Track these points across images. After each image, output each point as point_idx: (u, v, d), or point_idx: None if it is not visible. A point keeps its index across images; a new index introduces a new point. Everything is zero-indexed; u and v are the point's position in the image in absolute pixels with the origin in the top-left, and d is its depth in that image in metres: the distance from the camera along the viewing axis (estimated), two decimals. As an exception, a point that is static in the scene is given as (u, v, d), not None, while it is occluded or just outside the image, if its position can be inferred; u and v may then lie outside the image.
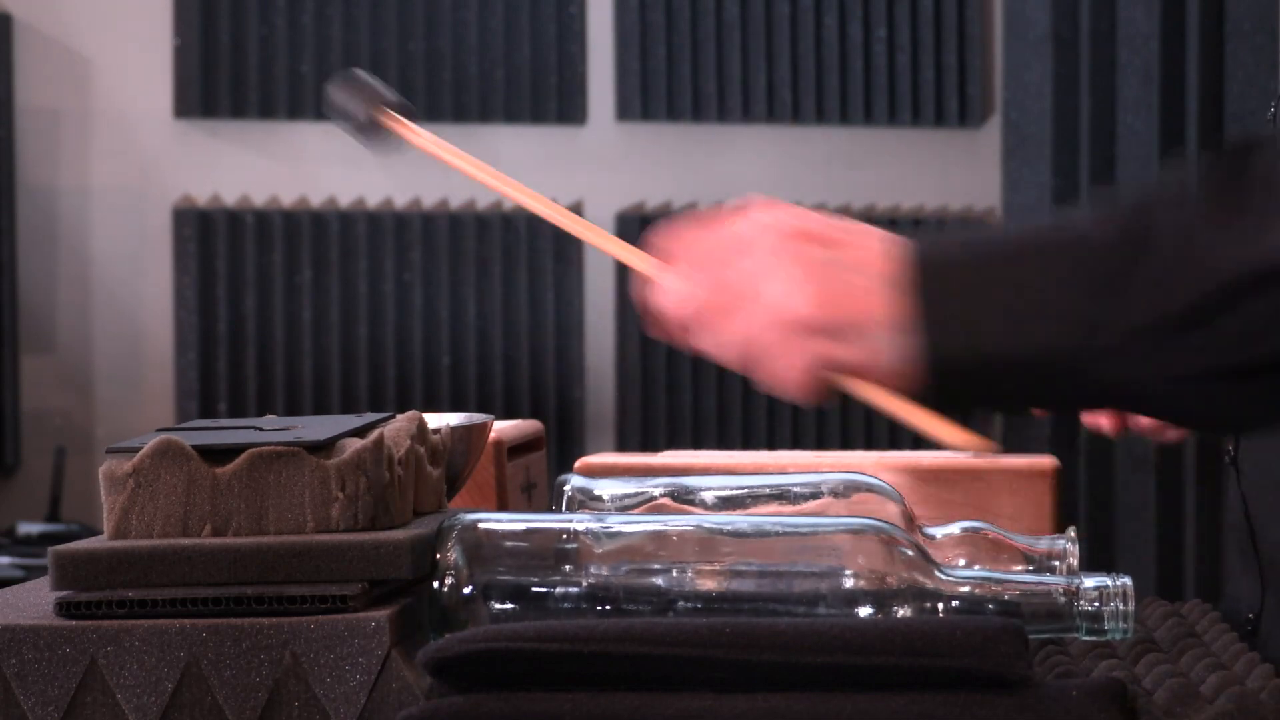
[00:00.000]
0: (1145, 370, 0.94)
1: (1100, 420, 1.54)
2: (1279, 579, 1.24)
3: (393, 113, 1.20)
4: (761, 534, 1.00)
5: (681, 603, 0.97)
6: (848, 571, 0.97)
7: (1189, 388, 0.94)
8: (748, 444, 4.24)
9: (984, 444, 0.99)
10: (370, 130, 1.21)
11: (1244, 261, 0.91)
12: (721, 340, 0.98)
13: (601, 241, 1.12)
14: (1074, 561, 1.15)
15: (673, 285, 1.00)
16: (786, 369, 0.97)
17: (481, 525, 1.00)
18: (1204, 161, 0.95)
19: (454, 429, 1.16)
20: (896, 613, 0.96)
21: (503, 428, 1.36)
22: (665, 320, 1.01)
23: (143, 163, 4.25)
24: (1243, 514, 1.29)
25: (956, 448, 0.99)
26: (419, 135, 1.18)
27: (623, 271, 4.29)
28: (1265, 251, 0.91)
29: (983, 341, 0.94)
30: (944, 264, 0.96)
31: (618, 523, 1.01)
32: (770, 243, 0.97)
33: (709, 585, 0.98)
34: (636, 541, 0.99)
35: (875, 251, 0.96)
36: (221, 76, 4.20)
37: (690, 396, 4.29)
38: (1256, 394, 0.94)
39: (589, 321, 4.30)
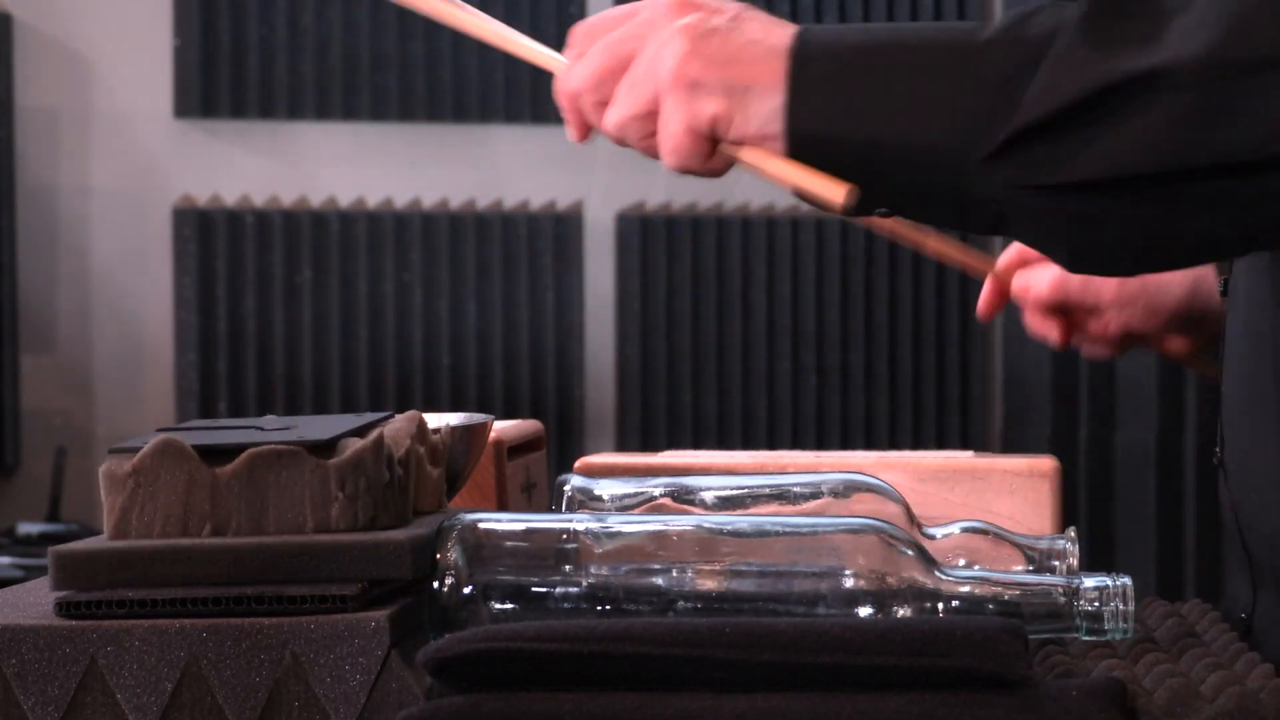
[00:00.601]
0: (1017, 175, 0.94)
1: (1048, 329, 1.53)
2: (1269, 578, 1.24)
3: None
4: (761, 534, 1.00)
5: (681, 603, 0.97)
6: (848, 571, 0.97)
7: (1057, 202, 0.94)
8: (748, 444, 4.24)
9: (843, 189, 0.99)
10: None
11: (1113, 71, 0.91)
12: (614, 111, 1.00)
13: (513, 45, 1.14)
14: (1074, 561, 1.15)
15: (572, 69, 1.02)
16: (672, 131, 0.98)
17: (481, 525, 1.00)
18: None
19: (454, 429, 1.16)
20: (896, 613, 0.96)
21: (503, 428, 1.36)
22: (569, 107, 1.03)
23: (143, 163, 4.25)
24: (1231, 514, 1.29)
25: (830, 201, 0.99)
26: None
27: (623, 271, 4.29)
28: (1133, 62, 0.91)
29: (859, 120, 0.96)
30: (832, 42, 0.98)
31: (618, 523, 1.01)
32: (662, 11, 1.00)
33: (709, 585, 0.98)
34: (636, 541, 0.99)
35: (768, 27, 0.99)
36: (221, 76, 4.20)
37: (690, 396, 4.29)
38: (1122, 212, 0.94)
39: (589, 321, 4.30)
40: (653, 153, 1.01)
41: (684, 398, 4.29)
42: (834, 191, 0.98)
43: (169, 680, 0.95)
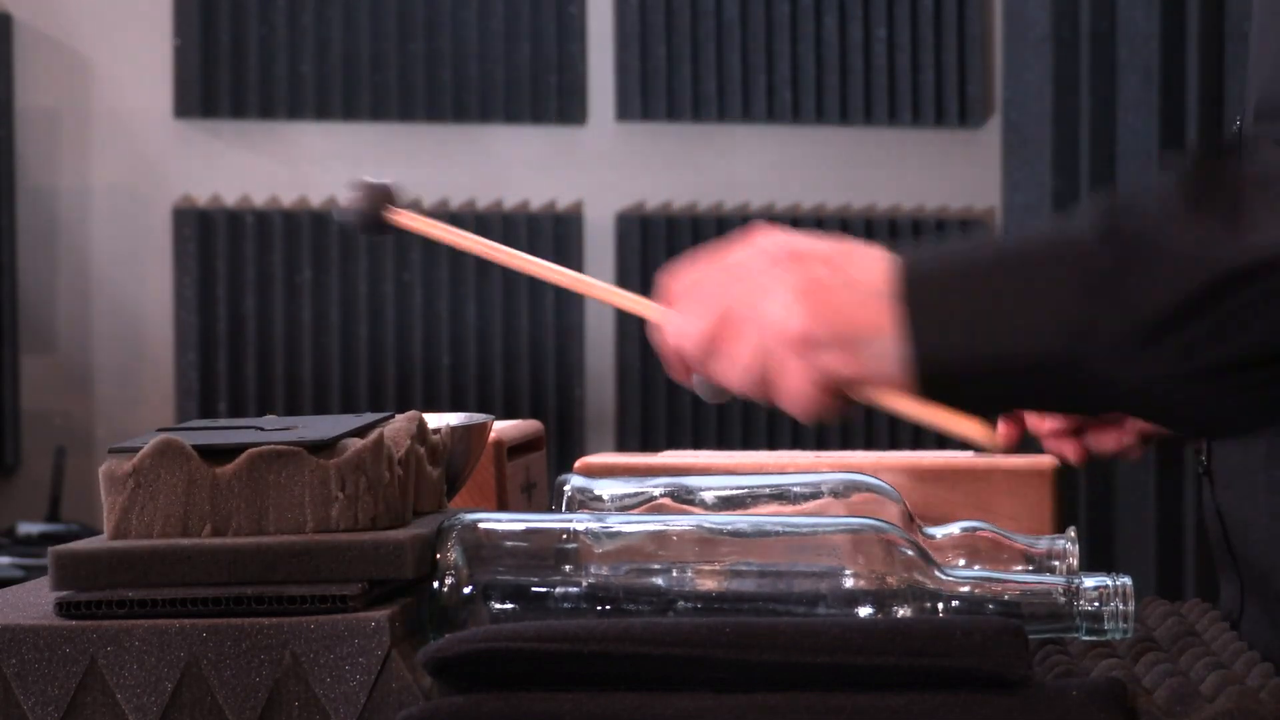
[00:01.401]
0: (1133, 371, 0.96)
1: (1064, 449, 1.55)
2: (1256, 583, 1.25)
3: (395, 208, 1.25)
4: (761, 534, 1.00)
5: (681, 603, 0.97)
6: (848, 571, 0.97)
7: (1176, 387, 0.96)
8: (748, 444, 4.24)
9: (1000, 436, 1.00)
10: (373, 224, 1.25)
11: (1219, 262, 0.94)
12: (728, 368, 1.01)
13: (609, 295, 1.14)
14: (1074, 561, 1.15)
15: (676, 322, 1.02)
16: (794, 387, 0.99)
17: (481, 525, 1.00)
18: (1180, 166, 0.98)
19: (454, 429, 1.16)
20: (896, 613, 0.96)
21: (503, 428, 1.36)
22: (674, 358, 1.03)
23: (143, 163, 4.25)
24: (1218, 523, 1.30)
25: (978, 443, 1.01)
26: (425, 224, 1.21)
27: (623, 271, 4.29)
28: (1237, 252, 0.94)
29: (974, 344, 0.97)
30: (933, 271, 0.99)
31: (618, 523, 1.01)
32: (763, 265, 1.00)
33: (709, 585, 0.98)
34: (636, 541, 0.99)
35: (867, 265, 0.99)
36: (221, 76, 4.20)
37: (690, 396, 4.28)
38: (1239, 390, 0.97)
39: (589, 321, 4.30)
40: (775, 401, 1.02)
41: (684, 398, 4.29)
42: (977, 432, 1.01)
43: (169, 680, 0.95)
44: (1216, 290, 0.95)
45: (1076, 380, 0.97)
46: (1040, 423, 1.56)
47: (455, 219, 4.24)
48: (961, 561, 1.15)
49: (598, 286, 1.15)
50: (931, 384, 0.98)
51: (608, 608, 0.97)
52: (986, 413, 1.03)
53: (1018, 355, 0.97)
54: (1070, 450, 1.55)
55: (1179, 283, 0.95)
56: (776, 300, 0.99)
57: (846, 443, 4.27)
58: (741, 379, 1.01)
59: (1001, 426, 1.60)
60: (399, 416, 1.10)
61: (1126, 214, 0.98)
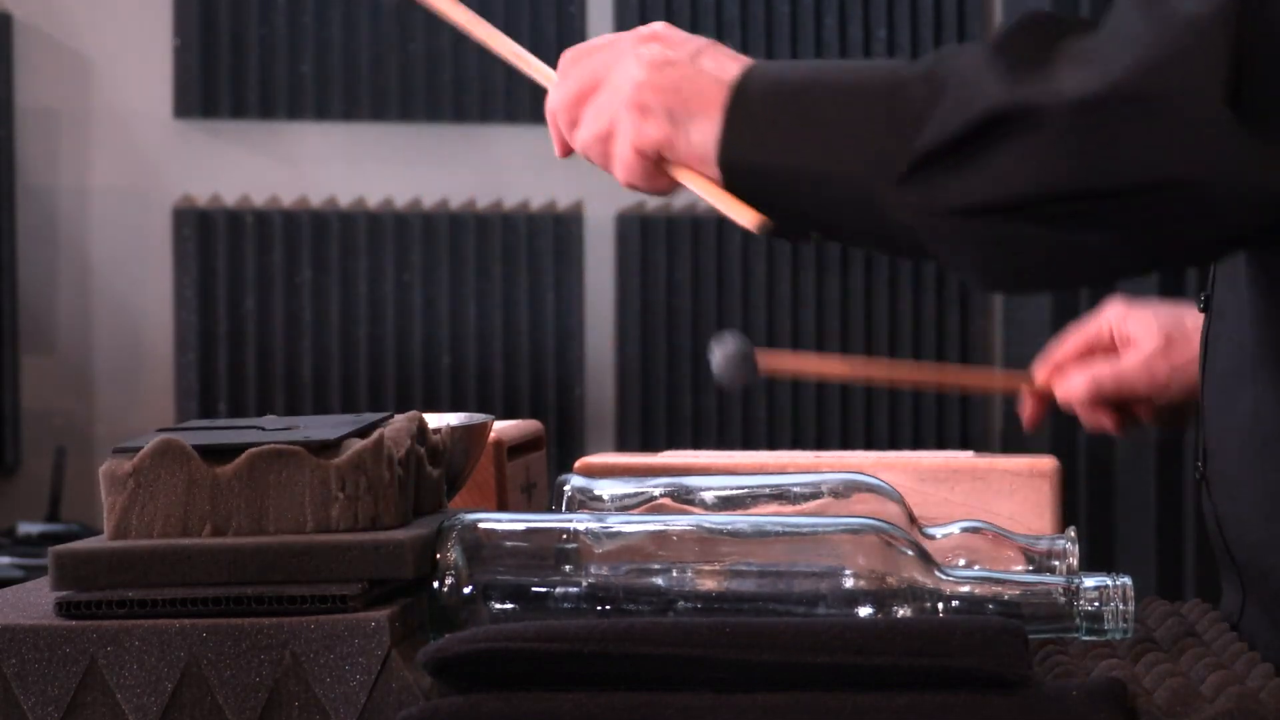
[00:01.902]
0: (903, 204, 1.02)
1: (1104, 422, 1.59)
2: (1255, 585, 1.25)
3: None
4: (761, 534, 1.00)
5: (681, 603, 0.97)
6: (848, 571, 0.97)
7: (935, 224, 1.02)
8: (748, 444, 4.24)
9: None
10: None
11: (984, 101, 0.99)
12: (581, 131, 1.11)
13: (514, 56, 1.24)
14: (1074, 561, 1.15)
15: (553, 89, 1.14)
16: (621, 151, 1.08)
17: (481, 525, 1.00)
18: (1012, 24, 1.03)
19: (454, 429, 1.16)
20: (896, 613, 0.96)
21: (503, 428, 1.36)
22: (552, 125, 1.14)
23: (143, 163, 4.25)
24: (1216, 527, 1.30)
25: (745, 227, 1.08)
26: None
27: (623, 271, 4.29)
28: (1005, 96, 0.98)
29: (782, 149, 1.05)
30: (772, 79, 1.07)
31: (618, 523, 1.01)
32: (630, 41, 1.10)
33: (709, 585, 0.98)
34: (636, 541, 0.99)
35: (722, 59, 1.08)
36: (221, 76, 4.20)
37: (690, 396, 4.29)
38: (985, 235, 1.02)
39: (589, 321, 4.30)
40: (611, 170, 1.11)
41: (684, 398, 4.29)
42: (747, 219, 1.07)
43: (169, 680, 0.95)
44: (973, 129, 0.99)
45: (869, 210, 1.03)
46: (1069, 397, 1.60)
47: (455, 219, 4.24)
48: (961, 561, 1.15)
49: (507, 46, 1.25)
50: (732, 174, 1.06)
51: (608, 608, 0.97)
52: (782, 220, 1.08)
53: (817, 171, 1.04)
54: (1107, 422, 1.60)
55: (949, 121, 0.99)
56: (626, 68, 1.08)
57: (846, 443, 4.27)
58: (586, 141, 1.10)
59: (1028, 405, 1.64)
60: (399, 416, 1.10)
61: (946, 59, 1.03)
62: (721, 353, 1.39)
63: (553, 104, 1.13)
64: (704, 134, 1.06)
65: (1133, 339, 1.60)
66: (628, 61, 1.08)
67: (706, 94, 1.06)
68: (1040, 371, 1.64)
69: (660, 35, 1.09)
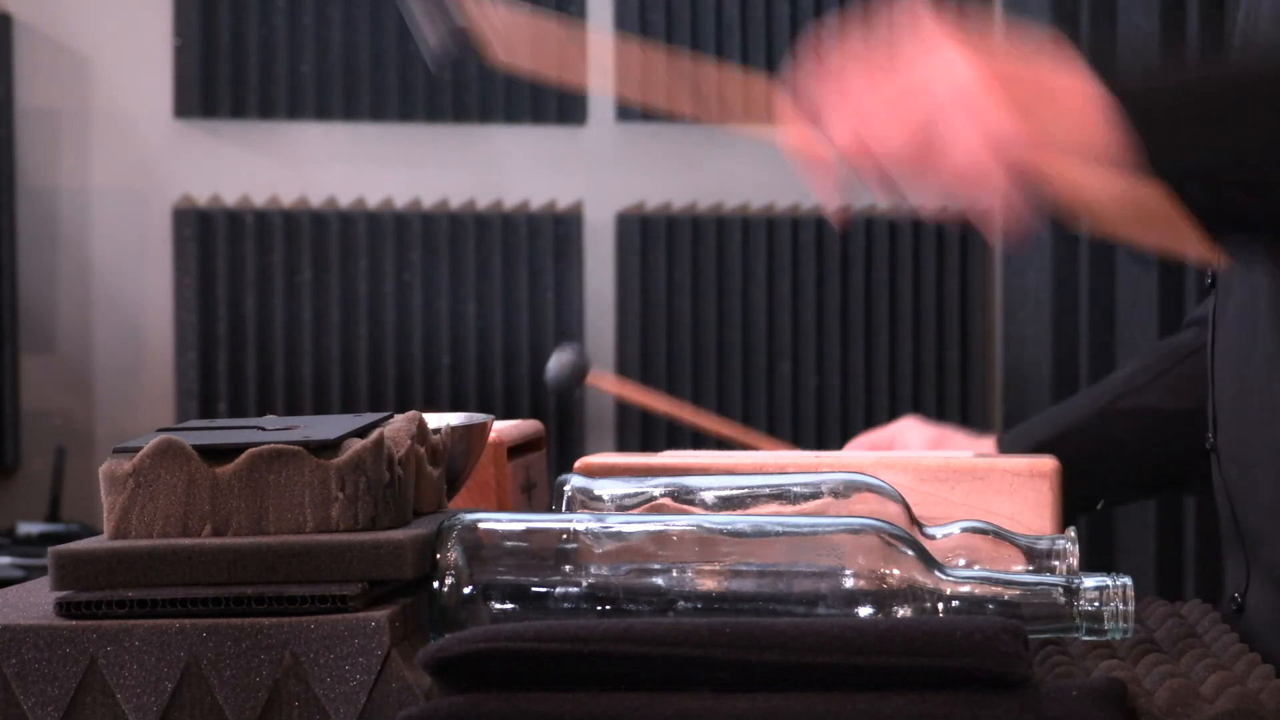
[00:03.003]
0: None
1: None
2: (1261, 557, 1.26)
3: None
4: (761, 534, 1.00)
5: (681, 603, 0.97)
6: (848, 571, 0.97)
7: None
8: (747, 444, 4.24)
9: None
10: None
11: None
12: (932, 181, 1.00)
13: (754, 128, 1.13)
14: (1074, 561, 1.15)
15: (872, 136, 1.00)
16: (1002, 194, 1.00)
17: (481, 525, 1.00)
18: None
19: (454, 429, 1.16)
20: (896, 613, 0.96)
21: (503, 428, 1.36)
22: (862, 172, 1.01)
23: (143, 163, 4.25)
24: (1224, 497, 1.31)
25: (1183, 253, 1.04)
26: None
27: (623, 271, 4.29)
28: None
29: (1210, 161, 1.01)
30: (1149, 83, 1.01)
31: (618, 523, 1.01)
32: (961, 78, 0.98)
33: (709, 585, 0.98)
34: (636, 541, 0.99)
35: (1070, 78, 0.99)
36: (221, 76, 4.20)
37: (690, 397, 4.29)
38: None
39: (589, 321, 4.30)
40: (982, 214, 1.03)
41: (684, 398, 4.29)
42: (1192, 246, 1.04)
43: (169, 680, 0.95)
44: None
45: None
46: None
47: (455, 219, 4.24)
48: (961, 561, 1.15)
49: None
50: (1168, 177, 0.99)
51: (608, 608, 0.97)
52: (1195, 211, 1.03)
53: (1239, 168, 1.00)
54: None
55: None
56: (942, 70, 0.97)
57: (846, 443, 4.27)
58: (946, 192, 1.01)
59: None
60: (399, 416, 1.10)
61: None
62: (557, 361, 1.36)
63: (884, 150, 1.01)
64: (1084, 133, 0.99)
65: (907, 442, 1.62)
66: (979, 105, 0.98)
67: (1081, 122, 0.99)
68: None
69: (952, 35, 1.00)
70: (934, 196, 1.01)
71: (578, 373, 1.34)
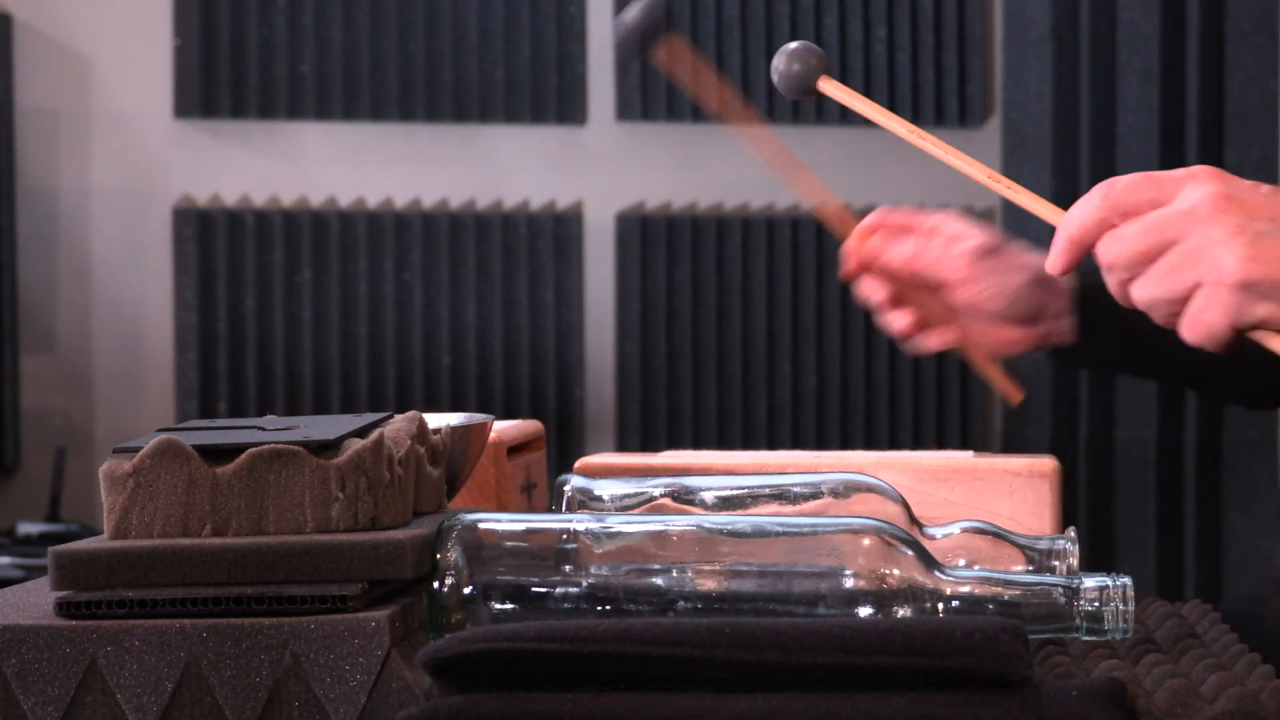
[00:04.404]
0: None
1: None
2: None
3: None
4: (761, 534, 1.00)
5: (681, 603, 0.97)
6: (848, 571, 0.97)
7: None
8: (748, 444, 4.24)
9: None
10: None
11: None
12: (1149, 289, 1.07)
13: (1022, 199, 1.18)
14: (1074, 561, 1.15)
15: (1118, 232, 1.08)
16: (1212, 322, 1.05)
17: (481, 525, 1.00)
18: None
19: (454, 429, 1.16)
20: (896, 613, 0.96)
21: (503, 428, 1.36)
22: (1108, 264, 1.09)
23: (143, 163, 4.25)
24: None
25: None
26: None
27: (623, 271, 4.29)
28: None
29: None
30: None
31: (618, 523, 1.01)
32: (1204, 204, 1.06)
33: (709, 585, 0.98)
34: (636, 542, 0.99)
35: None
36: (221, 76, 4.20)
37: (690, 396, 4.29)
38: None
39: (589, 321, 4.30)
40: (1172, 325, 1.08)
41: (684, 398, 4.29)
42: None
43: (169, 680, 0.95)
44: None
45: None
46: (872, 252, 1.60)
47: (455, 219, 4.24)
48: (961, 561, 1.15)
49: (1016, 190, 1.19)
50: None
51: (608, 608, 0.97)
52: None
53: None
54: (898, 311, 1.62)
55: None
56: (1224, 243, 1.04)
57: (846, 443, 4.27)
58: (1159, 300, 1.07)
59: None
60: (399, 416, 1.10)
61: None
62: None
63: (1111, 258, 1.09)
64: None
65: (959, 235, 1.62)
66: (1217, 231, 1.05)
67: None
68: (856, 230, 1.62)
69: (1238, 200, 1.06)
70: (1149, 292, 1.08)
71: (649, 31, 1.30)
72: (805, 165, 1.39)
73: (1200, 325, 1.06)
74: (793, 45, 1.27)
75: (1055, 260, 1.11)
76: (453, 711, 0.87)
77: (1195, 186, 1.07)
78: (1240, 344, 1.07)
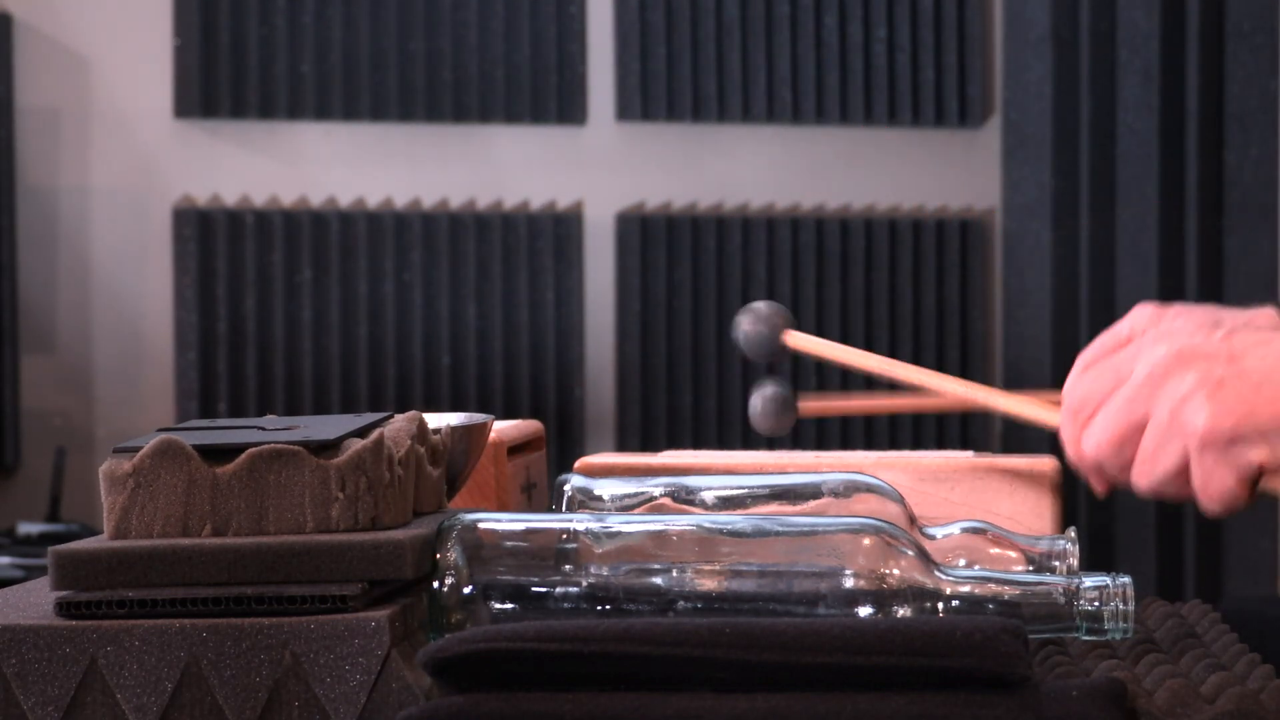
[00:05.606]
0: None
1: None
2: None
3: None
4: (761, 534, 1.00)
5: (681, 603, 0.97)
6: (848, 571, 0.97)
7: None
8: (748, 444, 4.24)
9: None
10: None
11: None
12: (1146, 472, 1.05)
13: (1009, 406, 1.20)
14: (1074, 561, 1.15)
15: (1088, 433, 1.07)
16: (1222, 486, 1.03)
17: (481, 525, 1.00)
18: None
19: (454, 429, 1.16)
20: (896, 613, 0.96)
21: (503, 428, 1.36)
22: (1087, 467, 1.08)
23: (143, 163, 4.25)
24: None
25: None
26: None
27: (623, 271, 4.29)
28: None
29: None
30: None
31: (618, 523, 1.01)
32: (1160, 368, 1.04)
33: (709, 585, 0.98)
34: (636, 541, 0.99)
35: (1259, 348, 1.03)
36: (221, 76, 4.20)
37: (690, 396, 4.29)
38: None
39: (589, 321, 4.30)
40: (1190, 499, 1.06)
41: (684, 398, 4.29)
42: None
43: (169, 680, 0.95)
44: None
45: None
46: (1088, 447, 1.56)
47: (455, 219, 4.24)
48: (961, 561, 1.15)
49: (995, 397, 1.20)
50: None
51: (608, 608, 0.97)
52: None
53: None
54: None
55: None
56: (1187, 403, 1.02)
57: (846, 443, 4.27)
58: (1161, 482, 1.05)
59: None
60: (399, 416, 1.10)
61: None
62: (760, 399, 1.37)
63: (1093, 452, 1.07)
64: None
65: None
66: (1179, 392, 1.02)
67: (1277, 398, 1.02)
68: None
69: (1189, 353, 1.03)
70: (1147, 484, 1.06)
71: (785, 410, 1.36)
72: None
73: (1213, 495, 1.04)
74: (757, 305, 1.31)
75: (1096, 489, 1.10)
76: (453, 711, 0.87)
77: (1150, 349, 1.04)
78: (1261, 494, 1.05)
